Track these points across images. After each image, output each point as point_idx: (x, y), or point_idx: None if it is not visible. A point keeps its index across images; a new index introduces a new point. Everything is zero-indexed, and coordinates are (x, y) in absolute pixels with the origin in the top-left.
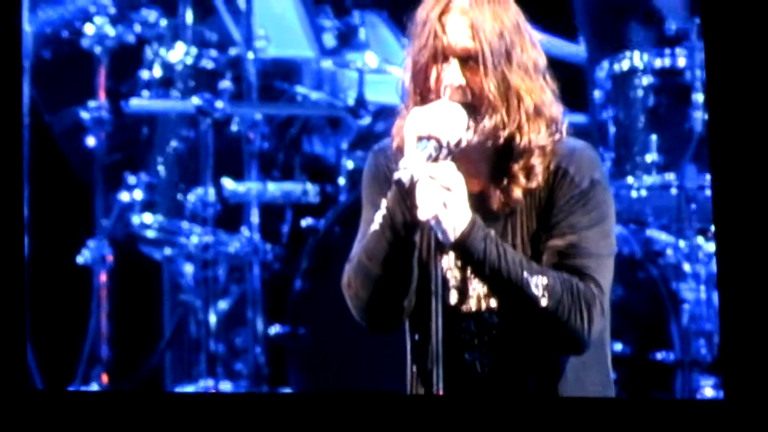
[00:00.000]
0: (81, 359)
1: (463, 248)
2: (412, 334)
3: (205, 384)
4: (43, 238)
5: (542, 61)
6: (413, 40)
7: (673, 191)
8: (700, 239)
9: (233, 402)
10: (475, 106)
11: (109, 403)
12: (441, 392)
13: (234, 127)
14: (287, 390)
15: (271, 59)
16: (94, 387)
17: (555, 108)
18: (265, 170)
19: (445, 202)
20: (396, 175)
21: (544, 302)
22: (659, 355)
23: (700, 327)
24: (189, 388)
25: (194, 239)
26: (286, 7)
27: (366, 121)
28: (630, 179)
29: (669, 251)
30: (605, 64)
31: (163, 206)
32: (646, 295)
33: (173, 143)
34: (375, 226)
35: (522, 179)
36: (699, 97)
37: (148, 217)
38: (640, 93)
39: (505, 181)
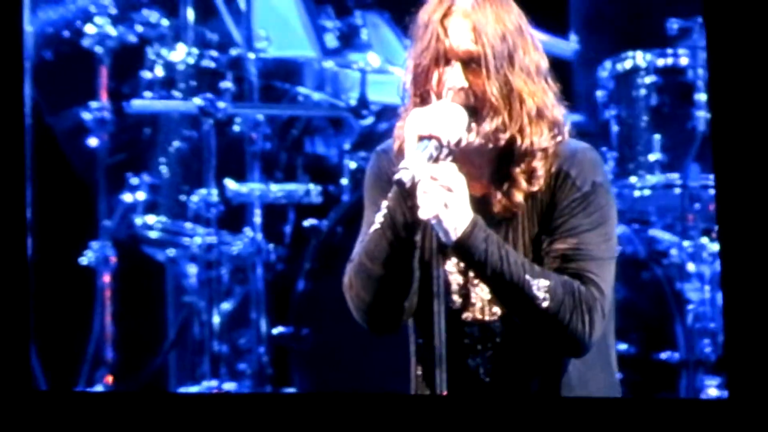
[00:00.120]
0: (85, 360)
1: (464, 249)
2: (416, 336)
3: (209, 384)
4: (46, 239)
5: (544, 64)
6: (415, 42)
7: (677, 191)
8: (704, 239)
9: (237, 402)
10: (476, 109)
11: (114, 404)
12: (445, 393)
13: (236, 128)
14: (291, 390)
15: (273, 59)
16: (99, 388)
17: (557, 110)
18: (268, 171)
19: (446, 203)
20: (397, 176)
21: (545, 304)
22: (663, 355)
23: (704, 327)
24: (193, 389)
25: (197, 240)
26: (288, 7)
27: (368, 121)
28: (633, 179)
29: (673, 251)
30: (608, 63)
31: (166, 207)
32: (651, 295)
33: (175, 144)
34: (376, 226)
35: (523, 182)
36: (702, 97)
37: (151, 218)
38: (642, 92)
39: (507, 185)
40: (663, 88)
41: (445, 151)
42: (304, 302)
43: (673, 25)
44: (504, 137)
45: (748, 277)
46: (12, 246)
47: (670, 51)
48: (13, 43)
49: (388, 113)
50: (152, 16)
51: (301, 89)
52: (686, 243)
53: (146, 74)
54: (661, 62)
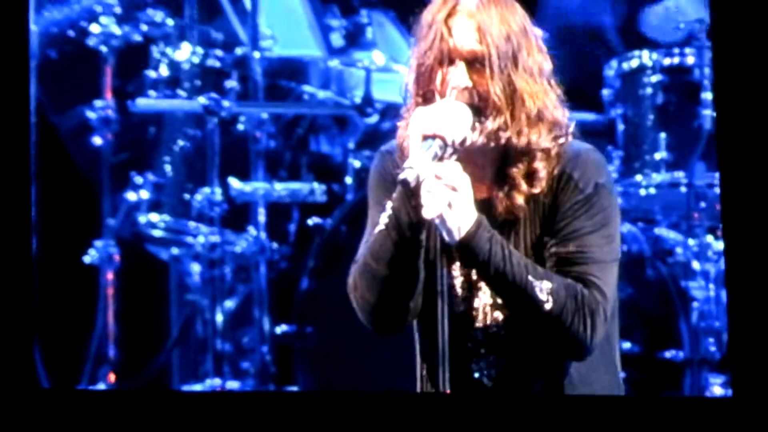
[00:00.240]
0: (88, 358)
1: (467, 248)
2: (420, 337)
3: (212, 383)
4: (50, 238)
5: (547, 65)
6: (418, 42)
7: (683, 189)
8: (709, 237)
9: (240, 401)
10: (480, 109)
11: (117, 403)
12: (448, 391)
13: (240, 127)
14: (294, 389)
15: (278, 58)
16: (102, 386)
17: (559, 112)
18: (272, 169)
19: (450, 202)
20: (401, 175)
21: (547, 306)
22: (668, 354)
23: (709, 325)
24: (196, 387)
25: (201, 239)
26: (293, 6)
27: (373, 119)
28: (639, 177)
29: (678, 249)
30: (614, 62)
31: (170, 206)
32: (656, 293)
33: (180, 143)
34: (380, 226)
35: (524, 184)
36: (708, 95)
37: (154, 217)
38: (649, 91)
39: (508, 187)
40: (669, 87)
41: (449, 150)
42: (307, 301)
43: (680, 24)
44: (505, 137)
45: (752, 276)
46: (16, 244)
47: (676, 50)
48: (19, 43)
49: (393, 112)
50: (157, 15)
51: (306, 88)
52: (691, 241)
53: (151, 73)
54: (667, 61)
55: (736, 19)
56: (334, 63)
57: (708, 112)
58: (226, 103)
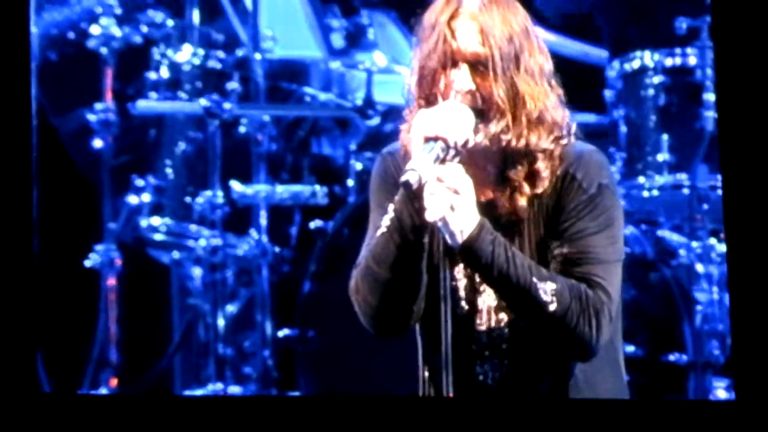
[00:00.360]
0: (89, 363)
1: (470, 251)
2: (423, 340)
3: (214, 387)
4: (51, 241)
5: (548, 66)
6: (421, 44)
7: (685, 191)
8: (712, 240)
9: (242, 405)
10: (483, 111)
11: (118, 407)
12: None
13: (242, 129)
14: (296, 393)
15: (279, 60)
16: (103, 391)
17: (558, 113)
18: (274, 172)
19: (453, 205)
20: (403, 177)
21: (552, 308)
22: (672, 357)
23: (713, 328)
24: (198, 392)
25: (202, 242)
26: (294, 7)
27: (375, 121)
28: (641, 179)
29: (681, 252)
30: (616, 63)
31: (171, 209)
32: (659, 296)
33: (181, 145)
34: (383, 229)
35: (526, 186)
36: (710, 97)
37: (156, 220)
38: (651, 92)
39: (510, 189)
40: (671, 88)
41: (451, 152)
42: (309, 304)
43: (682, 24)
44: (506, 139)
45: (755, 279)
46: (18, 248)
47: (678, 51)
48: (20, 45)
49: (395, 113)
50: (158, 16)
51: (308, 90)
52: (695, 244)
53: (151, 75)
54: (669, 62)
55: (738, 20)
56: (336, 65)
57: (710, 114)
58: (227, 105)
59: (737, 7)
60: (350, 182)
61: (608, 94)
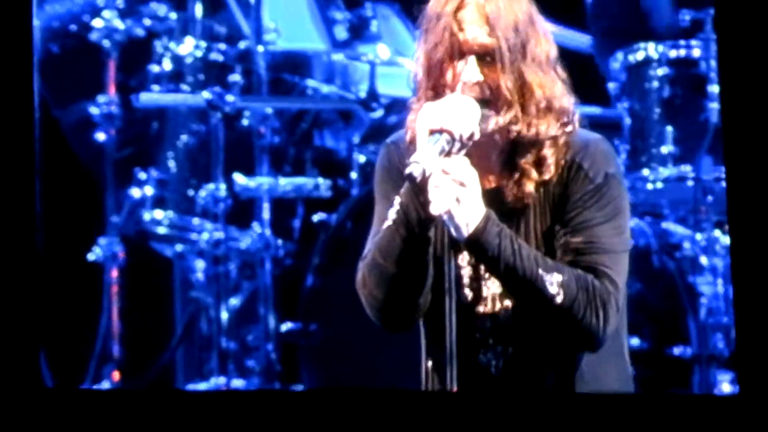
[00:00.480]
0: (92, 357)
1: (476, 244)
2: (426, 331)
3: (217, 381)
4: (54, 235)
5: (553, 53)
6: (426, 35)
7: (690, 183)
8: (717, 232)
9: (245, 399)
10: (490, 102)
11: (121, 401)
12: (455, 389)
13: (245, 122)
14: (299, 387)
15: (282, 52)
16: (106, 385)
17: (566, 99)
18: (277, 165)
19: (458, 197)
20: (407, 170)
21: (559, 299)
22: (676, 350)
23: (717, 321)
24: (201, 386)
25: (205, 235)
26: None
27: (378, 114)
28: (646, 171)
29: (686, 244)
30: (620, 55)
31: (174, 202)
32: (663, 288)
33: (183, 138)
34: (388, 222)
35: (534, 172)
36: (714, 88)
37: (158, 214)
38: (655, 84)
39: (517, 175)
40: (675, 80)
41: (457, 145)
42: (312, 298)
43: (686, 16)
44: (516, 129)
45: (758, 271)
46: (20, 241)
47: (682, 42)
48: (23, 38)
49: (398, 106)
50: (160, 9)
51: (311, 82)
52: (699, 236)
53: (154, 68)
54: (673, 54)
55: (742, 11)
56: (339, 57)
57: (715, 105)
58: (229, 98)
59: None
60: (353, 175)
61: (612, 86)
